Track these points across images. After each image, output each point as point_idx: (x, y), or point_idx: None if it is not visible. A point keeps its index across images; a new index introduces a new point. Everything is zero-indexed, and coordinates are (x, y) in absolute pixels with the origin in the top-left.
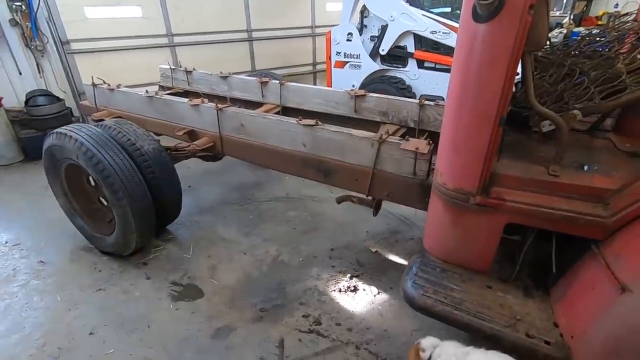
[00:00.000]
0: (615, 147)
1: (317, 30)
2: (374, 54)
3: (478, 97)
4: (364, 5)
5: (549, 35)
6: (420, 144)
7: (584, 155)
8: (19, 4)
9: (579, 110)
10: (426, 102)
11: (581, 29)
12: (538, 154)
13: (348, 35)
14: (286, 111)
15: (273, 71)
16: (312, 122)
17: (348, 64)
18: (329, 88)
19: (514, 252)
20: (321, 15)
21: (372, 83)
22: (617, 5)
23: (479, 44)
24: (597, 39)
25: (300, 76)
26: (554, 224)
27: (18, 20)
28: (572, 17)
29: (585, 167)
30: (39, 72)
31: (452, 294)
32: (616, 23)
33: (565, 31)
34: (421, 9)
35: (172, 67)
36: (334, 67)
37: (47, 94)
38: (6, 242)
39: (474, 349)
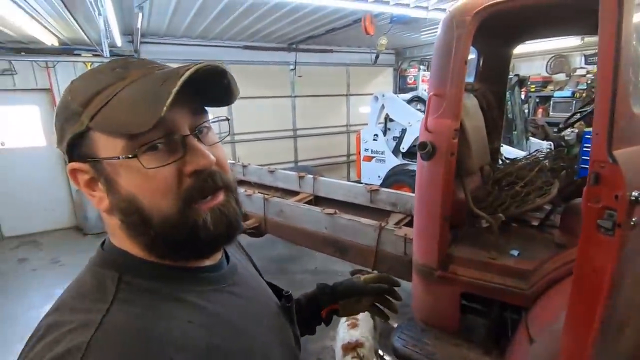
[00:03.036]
0: (553, 240)
1: (352, 128)
2: (395, 151)
3: (428, 204)
4: (387, 113)
5: (563, 134)
6: (409, 231)
7: (524, 245)
8: None
9: (502, 213)
10: None
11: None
12: (487, 242)
13: (374, 136)
14: (318, 200)
15: (312, 161)
16: (331, 211)
17: (374, 159)
18: (351, 183)
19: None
20: (355, 116)
21: (394, 175)
22: None
23: (425, 172)
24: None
25: (336, 165)
26: (494, 293)
27: None
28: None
29: (516, 253)
30: None
31: (426, 347)
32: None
33: (577, 131)
34: None
35: (232, 161)
36: (363, 160)
37: None
38: None
39: None
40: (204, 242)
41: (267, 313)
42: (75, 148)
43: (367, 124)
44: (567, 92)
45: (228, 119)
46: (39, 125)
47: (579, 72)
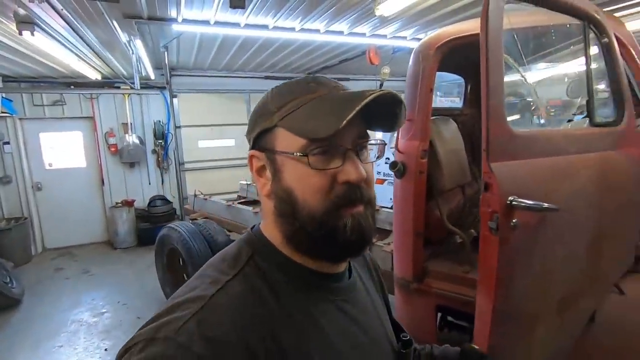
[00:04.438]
0: None
1: None
2: None
3: (402, 219)
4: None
5: None
6: None
7: None
8: (160, 141)
9: (474, 229)
10: None
11: None
12: (464, 257)
13: (386, 159)
14: None
15: None
16: None
17: (386, 182)
18: None
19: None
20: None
21: None
22: None
23: (398, 190)
24: None
25: None
26: (466, 306)
27: (157, 150)
28: None
29: None
30: (161, 183)
31: None
32: None
33: None
34: None
35: (247, 182)
36: (376, 183)
37: (163, 198)
38: (118, 302)
39: None
40: (339, 244)
41: (372, 349)
42: (260, 139)
43: None
44: None
45: (385, 143)
46: (81, 148)
47: (602, 95)
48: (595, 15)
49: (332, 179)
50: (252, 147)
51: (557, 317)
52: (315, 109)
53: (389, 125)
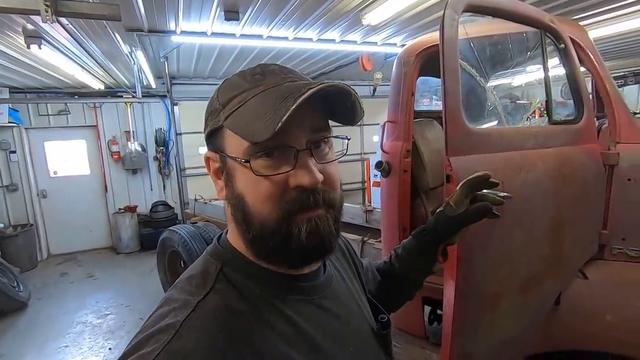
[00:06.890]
0: None
1: (365, 156)
2: None
3: (388, 215)
4: None
5: None
6: None
7: None
8: (162, 148)
9: None
10: None
11: None
12: None
13: None
14: None
15: None
16: None
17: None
18: (348, 204)
19: None
20: (369, 145)
21: None
22: None
23: (384, 188)
24: None
25: (352, 192)
26: None
27: (158, 157)
28: None
29: None
30: (163, 189)
31: (393, 348)
32: None
33: None
34: None
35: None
36: (373, 186)
37: (164, 203)
38: (122, 304)
39: None
40: (295, 252)
41: (355, 337)
42: (212, 139)
43: (374, 153)
44: None
45: (349, 139)
46: (85, 156)
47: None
48: (550, 24)
49: (283, 183)
50: (208, 148)
51: (521, 296)
52: (257, 107)
53: (348, 117)
